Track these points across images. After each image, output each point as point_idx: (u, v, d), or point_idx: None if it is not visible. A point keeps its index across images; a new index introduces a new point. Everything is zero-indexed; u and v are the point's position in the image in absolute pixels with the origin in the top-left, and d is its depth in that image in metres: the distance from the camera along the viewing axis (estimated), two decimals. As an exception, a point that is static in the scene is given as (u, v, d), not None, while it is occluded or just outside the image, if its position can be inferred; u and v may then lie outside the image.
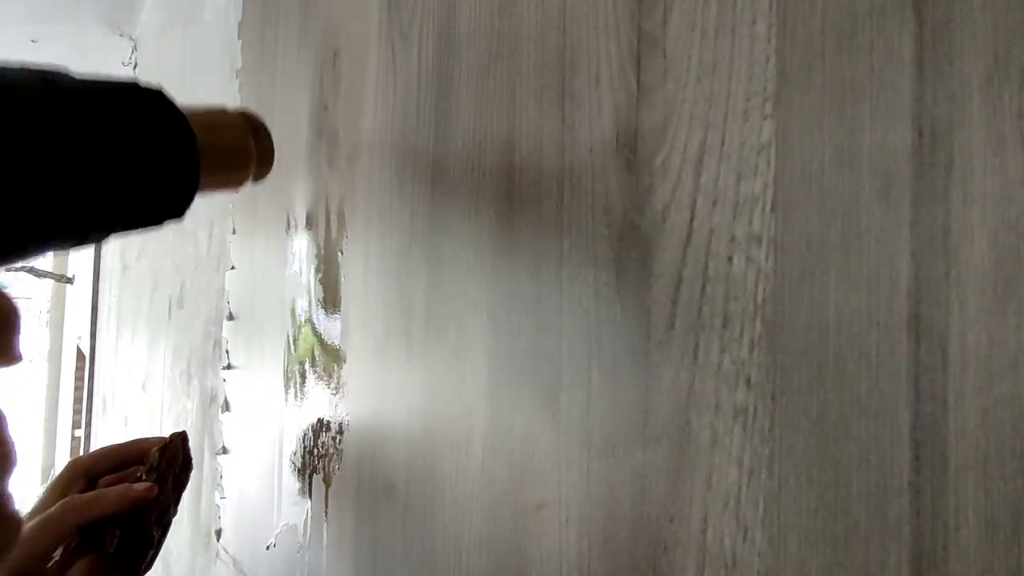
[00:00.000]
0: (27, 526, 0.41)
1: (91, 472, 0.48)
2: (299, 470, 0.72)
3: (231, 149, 0.41)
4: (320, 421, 0.67)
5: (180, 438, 0.51)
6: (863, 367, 0.24)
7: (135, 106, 0.34)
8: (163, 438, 0.50)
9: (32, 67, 0.31)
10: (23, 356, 0.24)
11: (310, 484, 0.69)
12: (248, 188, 0.44)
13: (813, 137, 0.25)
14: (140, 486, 0.46)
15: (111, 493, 0.44)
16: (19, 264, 0.31)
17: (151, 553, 0.46)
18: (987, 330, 0.21)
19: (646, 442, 0.32)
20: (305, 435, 0.71)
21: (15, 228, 0.28)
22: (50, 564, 0.41)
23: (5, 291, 0.24)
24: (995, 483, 0.20)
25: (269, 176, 0.45)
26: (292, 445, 0.74)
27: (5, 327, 0.24)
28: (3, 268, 0.29)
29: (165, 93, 0.36)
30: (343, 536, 0.61)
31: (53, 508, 0.43)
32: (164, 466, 0.48)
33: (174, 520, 0.49)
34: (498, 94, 0.43)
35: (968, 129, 0.21)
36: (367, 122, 0.60)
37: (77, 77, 0.33)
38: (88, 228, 0.32)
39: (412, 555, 0.50)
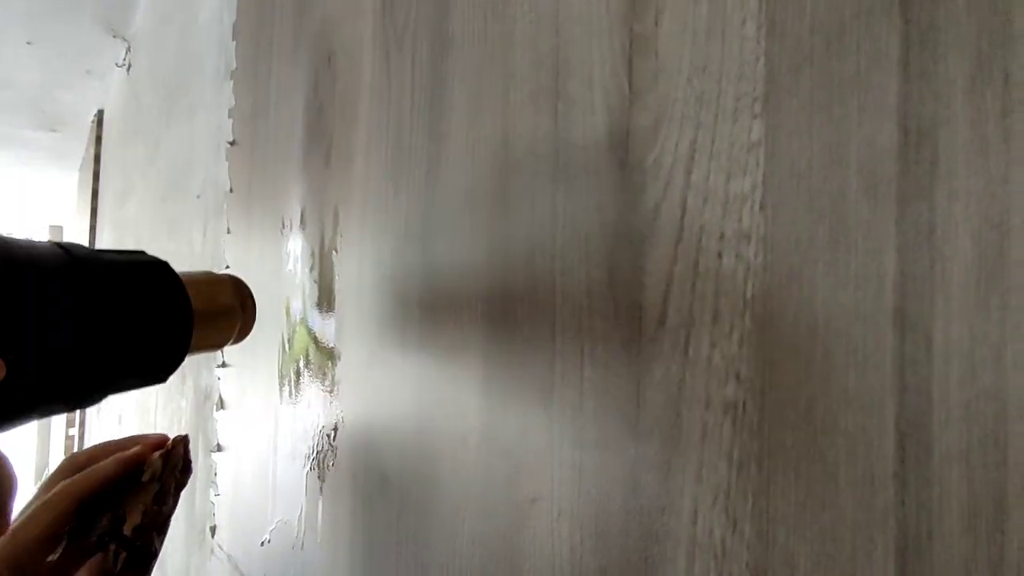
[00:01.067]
0: (21, 514, 0.40)
1: (80, 465, 0.47)
2: (294, 467, 0.72)
3: (221, 316, 0.45)
4: (315, 418, 0.67)
5: (183, 443, 0.49)
6: (850, 361, 0.24)
7: (142, 278, 0.37)
8: (160, 435, 0.49)
9: (50, 241, 0.33)
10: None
11: (305, 480, 0.69)
12: (227, 347, 0.48)
13: (802, 136, 0.26)
14: (133, 450, 0.45)
15: (106, 462, 0.43)
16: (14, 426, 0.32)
17: (152, 563, 0.46)
18: (969, 324, 0.21)
19: (638, 436, 0.32)
20: (300, 432, 0.71)
21: (25, 391, 0.29)
22: (50, 558, 0.40)
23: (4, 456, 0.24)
24: (977, 473, 0.21)
25: (248, 338, 0.49)
26: (287, 442, 0.74)
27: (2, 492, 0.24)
28: (10, 428, 0.30)
29: (168, 266, 0.39)
30: (338, 531, 0.61)
31: (49, 494, 0.42)
32: (167, 475, 0.47)
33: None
34: (491, 95, 0.43)
35: (952, 128, 0.22)
36: (362, 123, 0.60)
37: (90, 249, 0.35)
38: (92, 390, 0.34)
39: (407, 549, 0.50)
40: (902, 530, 0.23)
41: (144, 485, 0.45)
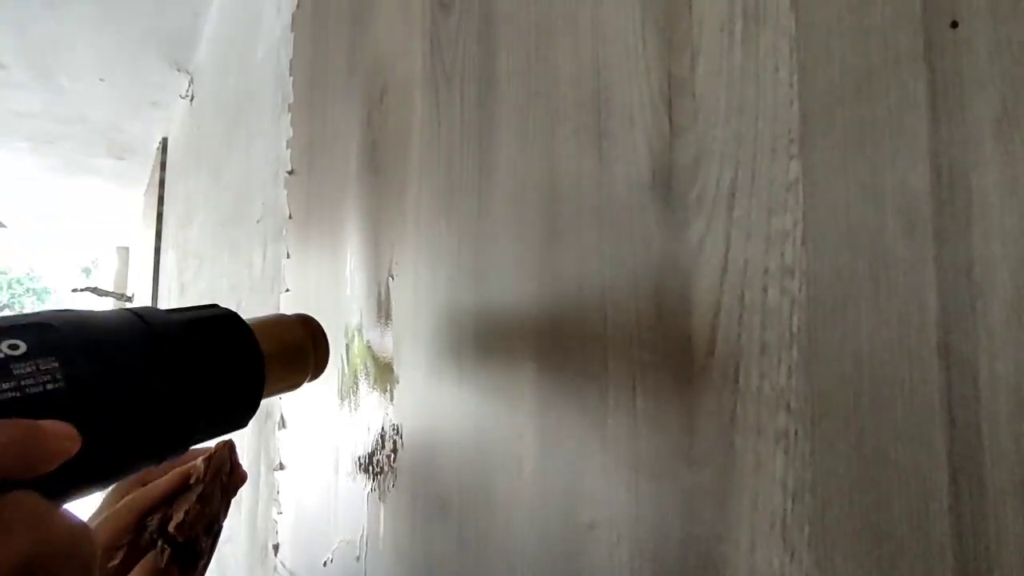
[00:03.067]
0: (92, 524, 0.46)
1: (144, 481, 0.51)
2: (355, 487, 0.74)
3: (294, 358, 0.46)
4: (375, 440, 0.70)
5: (226, 447, 0.53)
6: (897, 394, 0.25)
7: (213, 334, 0.38)
8: (208, 448, 0.52)
9: (126, 310, 0.35)
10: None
11: (366, 501, 0.71)
12: (304, 386, 0.49)
13: (838, 176, 0.27)
14: (184, 467, 0.49)
15: (163, 478, 0.48)
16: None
17: (202, 563, 0.49)
18: (1015, 359, 0.22)
19: (692, 464, 0.33)
20: (360, 453, 0.73)
21: (112, 455, 0.31)
22: (111, 563, 0.44)
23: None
24: (1027, 508, 0.21)
25: (321, 382, 0.49)
26: (347, 462, 0.77)
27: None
28: (97, 491, 0.32)
29: (237, 316, 0.40)
30: (399, 553, 0.63)
31: (113, 508, 0.47)
32: (210, 476, 0.50)
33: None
34: (537, 133, 0.45)
35: (984, 169, 0.22)
36: (414, 156, 0.63)
37: (163, 312, 0.36)
38: (174, 446, 0.35)
39: (467, 573, 0.52)
40: (961, 564, 0.23)
41: (190, 487, 0.49)
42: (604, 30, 0.39)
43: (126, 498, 0.47)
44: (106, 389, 0.30)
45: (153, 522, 0.47)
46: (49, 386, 0.27)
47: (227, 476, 0.51)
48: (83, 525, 0.25)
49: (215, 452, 0.51)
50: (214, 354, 0.37)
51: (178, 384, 0.34)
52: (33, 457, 0.24)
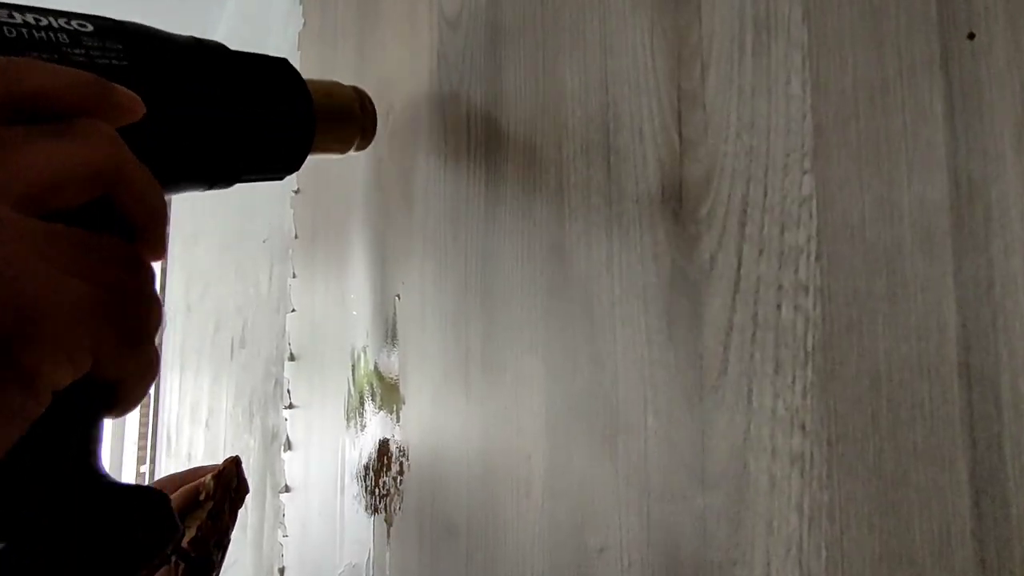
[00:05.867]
0: None
1: None
2: (361, 510, 0.73)
3: (342, 113, 0.48)
4: (381, 462, 0.69)
5: (233, 463, 0.54)
6: (917, 414, 0.24)
7: (269, 70, 0.40)
8: (218, 466, 0.53)
9: (195, 37, 0.37)
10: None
11: (372, 524, 0.71)
12: (351, 153, 0.50)
13: (853, 190, 0.26)
14: (195, 483, 0.51)
15: (173, 496, 0.50)
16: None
17: (213, 574, 0.49)
18: (1039, 378, 0.21)
19: (704, 486, 0.32)
20: (366, 475, 0.73)
21: (173, 161, 0.33)
22: None
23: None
24: (1056, 533, 0.21)
25: (370, 145, 0.52)
26: (353, 485, 0.76)
27: (160, 221, 0.26)
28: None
29: (289, 63, 0.42)
30: (408, 577, 0.62)
31: None
32: (220, 493, 0.51)
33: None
34: (545, 147, 0.44)
35: (1003, 182, 0.22)
36: (420, 173, 0.63)
37: (222, 45, 0.39)
38: (223, 172, 0.37)
39: (476, 597, 0.51)
40: (984, 590, 0.22)
41: (200, 504, 0.50)
42: (612, 44, 0.39)
43: None
44: (165, 78, 0.32)
45: None
46: (115, 61, 0.30)
47: (235, 491, 0.52)
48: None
49: (223, 469, 0.52)
50: (268, 81, 0.39)
51: (232, 95, 0.36)
52: (106, 104, 0.24)
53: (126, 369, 0.24)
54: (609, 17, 0.40)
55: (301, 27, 1.10)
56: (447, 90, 0.58)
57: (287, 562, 1.00)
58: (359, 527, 0.74)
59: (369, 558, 0.70)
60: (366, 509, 0.72)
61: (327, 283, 0.89)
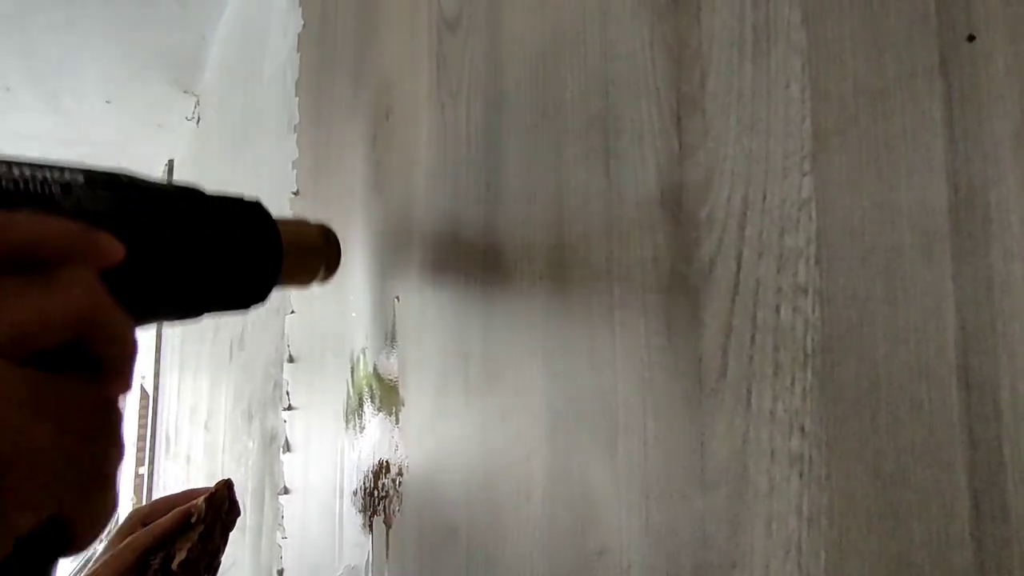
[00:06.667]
0: (95, 563, 0.47)
1: (147, 521, 0.53)
2: (360, 511, 0.73)
3: (308, 251, 0.52)
4: (380, 464, 0.69)
5: (225, 486, 0.54)
6: (916, 416, 0.24)
7: (242, 214, 0.44)
8: (210, 489, 0.54)
9: (176, 183, 0.41)
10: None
11: (371, 526, 0.70)
12: (315, 287, 0.54)
13: (852, 194, 0.26)
14: (186, 505, 0.52)
15: (164, 518, 0.51)
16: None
17: None
18: (1037, 381, 0.21)
19: (704, 488, 0.32)
20: (365, 477, 0.73)
21: (148, 297, 0.36)
22: None
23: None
24: (1054, 535, 0.21)
25: (334, 278, 0.56)
26: (352, 487, 0.76)
27: (129, 360, 0.28)
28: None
29: (262, 206, 0.46)
30: (407, 579, 0.62)
31: (118, 547, 0.49)
32: (211, 516, 0.51)
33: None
34: (545, 151, 0.44)
35: (1002, 186, 0.22)
36: (420, 176, 0.63)
37: (200, 189, 0.42)
38: (193, 305, 0.40)
39: (476, 599, 0.51)
40: (982, 592, 0.23)
41: (192, 526, 0.50)
42: (612, 48, 0.39)
43: (129, 538, 0.49)
44: (147, 223, 0.36)
45: (156, 561, 0.48)
46: (101, 209, 0.34)
47: (226, 514, 0.53)
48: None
49: (215, 491, 0.53)
50: (239, 224, 0.43)
51: (209, 237, 0.40)
52: (89, 250, 0.27)
53: (86, 510, 0.25)
54: (609, 21, 0.40)
55: (300, 29, 1.10)
56: (446, 92, 0.58)
57: (286, 564, 0.99)
58: (358, 529, 0.74)
59: (368, 560, 0.70)
60: (365, 511, 0.72)
61: (327, 286, 0.89)
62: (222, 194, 0.43)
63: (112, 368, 0.28)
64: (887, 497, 0.25)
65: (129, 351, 0.28)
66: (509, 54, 0.50)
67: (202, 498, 0.52)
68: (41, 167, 0.32)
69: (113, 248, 0.28)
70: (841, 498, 0.27)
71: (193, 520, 0.51)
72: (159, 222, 0.37)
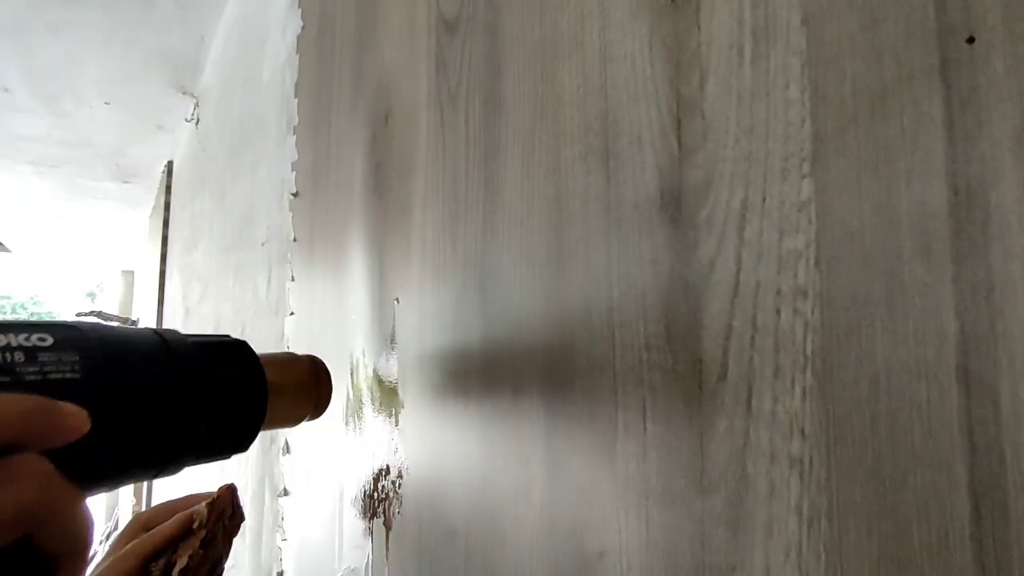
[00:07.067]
0: (95, 570, 0.46)
1: (148, 526, 0.53)
2: (360, 514, 0.73)
3: (296, 390, 0.49)
4: (380, 466, 0.69)
5: (228, 490, 0.54)
6: (915, 418, 0.24)
7: (224, 358, 0.42)
8: (211, 493, 0.53)
9: (148, 328, 0.39)
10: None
11: (371, 528, 0.70)
12: (304, 424, 0.51)
13: (852, 196, 0.26)
14: (189, 510, 0.51)
15: (166, 524, 0.50)
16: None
17: None
18: (1038, 382, 0.21)
19: (703, 491, 0.32)
20: (365, 479, 0.73)
21: (115, 456, 0.34)
22: None
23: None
24: (1055, 537, 0.21)
25: (325, 414, 0.53)
26: (352, 489, 0.76)
27: (81, 554, 0.27)
28: (99, 490, 0.34)
29: (247, 345, 0.44)
30: (407, 581, 0.62)
31: (119, 553, 0.48)
32: (213, 520, 0.51)
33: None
34: (544, 153, 0.44)
35: (1002, 188, 0.22)
36: (418, 177, 0.63)
37: (181, 335, 0.40)
38: (170, 463, 0.37)
39: (476, 601, 0.51)
40: (982, 594, 0.22)
41: (193, 532, 0.50)
42: (611, 50, 0.39)
43: (130, 543, 0.49)
44: (116, 385, 0.34)
45: (157, 567, 0.48)
46: (68, 375, 0.31)
47: (229, 519, 0.52)
48: (84, 500, 0.27)
49: (218, 496, 0.52)
50: (220, 373, 0.40)
51: (183, 393, 0.37)
52: (48, 428, 0.26)
53: None
54: (608, 23, 0.40)
55: (299, 30, 1.10)
56: (445, 94, 0.58)
57: (286, 566, 0.99)
58: (358, 531, 0.73)
59: (368, 562, 0.70)
60: (365, 513, 0.72)
61: (325, 287, 0.89)
62: (204, 338, 0.41)
63: (63, 563, 0.27)
64: (887, 499, 0.25)
65: (82, 545, 0.27)
66: (508, 56, 0.50)
67: (204, 503, 0.52)
68: (6, 328, 0.30)
69: (76, 423, 0.27)
70: (841, 500, 0.27)
71: (195, 526, 0.51)
72: (134, 379, 0.35)
